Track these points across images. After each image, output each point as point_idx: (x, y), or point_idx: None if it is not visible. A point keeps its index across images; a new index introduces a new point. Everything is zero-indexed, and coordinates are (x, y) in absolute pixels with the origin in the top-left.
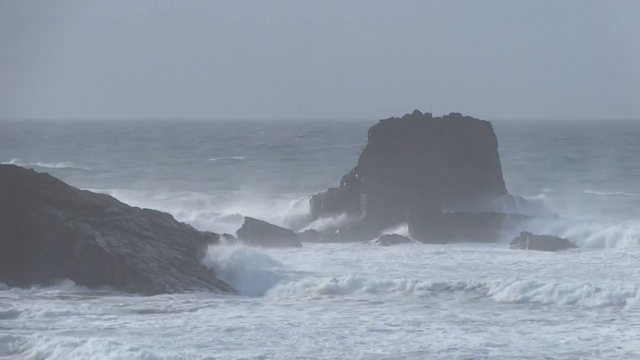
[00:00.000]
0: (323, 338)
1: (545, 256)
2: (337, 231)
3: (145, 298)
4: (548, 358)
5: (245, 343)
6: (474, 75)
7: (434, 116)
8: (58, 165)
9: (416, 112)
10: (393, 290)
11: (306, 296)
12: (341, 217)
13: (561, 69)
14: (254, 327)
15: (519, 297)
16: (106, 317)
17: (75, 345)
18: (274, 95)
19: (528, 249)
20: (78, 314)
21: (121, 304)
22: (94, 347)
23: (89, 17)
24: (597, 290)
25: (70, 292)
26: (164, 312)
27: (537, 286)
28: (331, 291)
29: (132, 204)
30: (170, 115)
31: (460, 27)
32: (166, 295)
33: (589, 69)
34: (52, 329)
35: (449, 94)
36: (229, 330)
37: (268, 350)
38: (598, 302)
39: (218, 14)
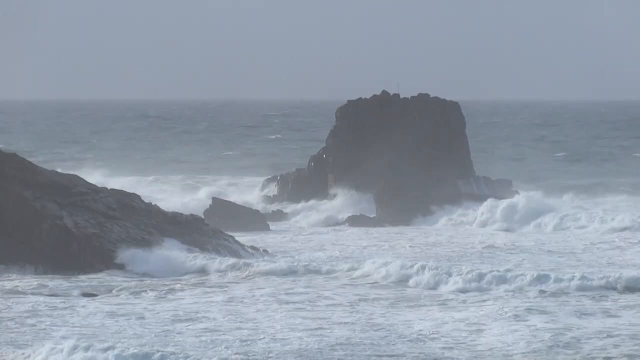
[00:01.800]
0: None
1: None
2: (304, 212)
3: (110, 279)
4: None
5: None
6: (447, 55)
7: (402, 96)
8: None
9: (384, 92)
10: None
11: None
12: (308, 198)
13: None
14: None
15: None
16: (68, 298)
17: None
18: (244, 75)
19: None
20: (38, 294)
21: (85, 284)
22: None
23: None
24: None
25: (35, 272)
26: (130, 291)
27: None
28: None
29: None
30: (145, 96)
31: (436, 8)
32: (134, 276)
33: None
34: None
35: (421, 75)
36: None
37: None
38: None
39: None
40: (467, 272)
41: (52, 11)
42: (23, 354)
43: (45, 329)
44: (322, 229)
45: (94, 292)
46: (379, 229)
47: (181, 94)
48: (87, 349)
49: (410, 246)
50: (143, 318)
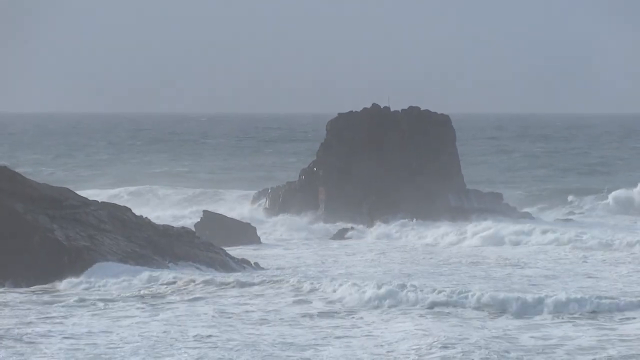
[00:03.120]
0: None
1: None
2: (294, 225)
3: (103, 291)
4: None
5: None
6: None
7: (392, 109)
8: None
9: (374, 105)
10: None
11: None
12: (299, 211)
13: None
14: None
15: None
16: (59, 310)
17: None
18: (232, 89)
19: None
20: (29, 306)
21: (75, 298)
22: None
23: (63, 9)
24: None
25: (27, 284)
26: (118, 301)
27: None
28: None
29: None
30: (139, 109)
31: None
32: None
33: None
34: None
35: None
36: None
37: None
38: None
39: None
40: (438, 291)
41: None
42: None
43: (39, 342)
44: (313, 242)
45: (83, 303)
46: (369, 241)
47: (176, 107)
48: None
49: (398, 260)
50: (137, 329)
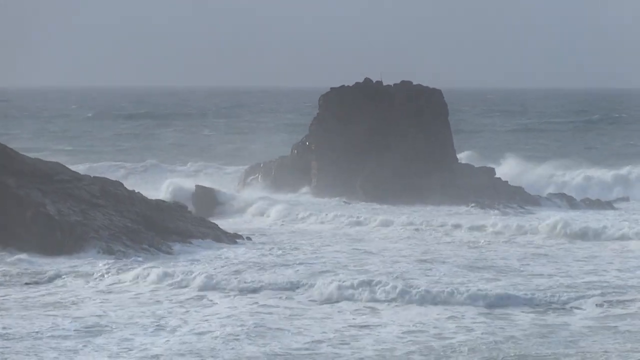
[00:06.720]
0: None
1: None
2: (287, 200)
3: (91, 268)
4: None
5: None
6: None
7: (384, 84)
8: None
9: (367, 79)
10: None
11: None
12: (292, 185)
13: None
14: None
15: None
16: (51, 286)
17: None
18: (225, 62)
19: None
20: (18, 282)
21: (65, 277)
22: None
23: None
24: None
25: (18, 260)
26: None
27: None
28: None
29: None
30: (138, 83)
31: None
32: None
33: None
34: None
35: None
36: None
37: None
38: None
39: None
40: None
41: None
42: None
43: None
44: (307, 217)
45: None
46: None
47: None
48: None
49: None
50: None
